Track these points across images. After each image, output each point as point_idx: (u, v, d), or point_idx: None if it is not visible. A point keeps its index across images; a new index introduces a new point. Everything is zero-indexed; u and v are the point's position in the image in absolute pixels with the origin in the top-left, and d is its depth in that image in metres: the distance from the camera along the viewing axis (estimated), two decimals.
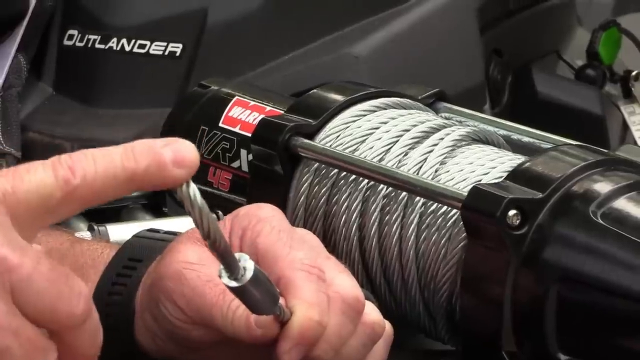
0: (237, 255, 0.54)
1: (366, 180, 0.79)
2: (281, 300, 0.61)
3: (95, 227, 0.86)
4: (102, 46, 1.23)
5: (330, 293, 0.64)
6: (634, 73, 1.43)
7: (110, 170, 0.44)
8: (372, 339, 0.67)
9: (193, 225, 0.53)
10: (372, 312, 0.66)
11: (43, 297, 0.44)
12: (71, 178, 0.43)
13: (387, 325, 0.67)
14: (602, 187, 0.70)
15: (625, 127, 1.45)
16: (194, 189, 0.46)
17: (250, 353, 0.69)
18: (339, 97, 0.86)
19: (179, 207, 0.62)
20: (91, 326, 0.46)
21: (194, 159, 0.44)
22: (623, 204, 0.69)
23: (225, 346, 0.69)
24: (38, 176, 0.42)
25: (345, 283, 0.65)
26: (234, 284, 0.53)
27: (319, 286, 0.65)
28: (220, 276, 0.53)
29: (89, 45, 1.26)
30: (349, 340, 0.66)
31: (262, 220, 0.64)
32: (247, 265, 0.54)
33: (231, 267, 0.54)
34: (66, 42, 1.25)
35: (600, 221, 0.67)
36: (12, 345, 0.43)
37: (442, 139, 0.80)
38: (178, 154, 0.43)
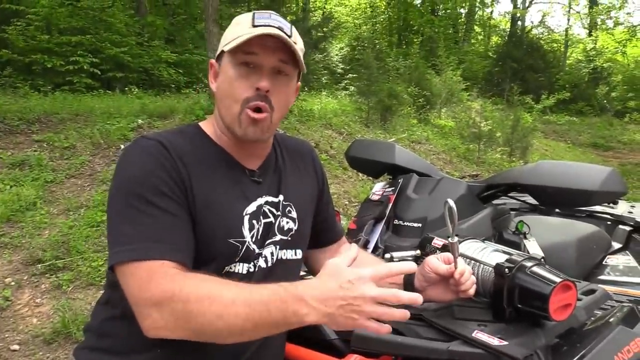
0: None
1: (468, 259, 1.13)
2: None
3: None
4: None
5: (466, 267, 1.06)
6: None
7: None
8: (470, 275, 1.06)
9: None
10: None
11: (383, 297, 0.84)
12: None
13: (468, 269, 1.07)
14: (530, 263, 1.03)
15: None
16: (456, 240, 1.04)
17: (443, 286, 1.09)
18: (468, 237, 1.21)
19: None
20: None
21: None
22: (536, 269, 1.02)
23: (436, 284, 1.10)
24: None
25: (467, 267, 1.07)
26: (451, 241, 1.03)
27: (465, 265, 1.06)
28: (449, 240, 1.03)
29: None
30: (470, 276, 1.06)
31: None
32: (456, 240, 1.03)
33: (453, 249, 1.03)
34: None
35: (528, 272, 1.01)
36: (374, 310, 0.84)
37: (487, 248, 1.15)
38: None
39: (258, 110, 1.05)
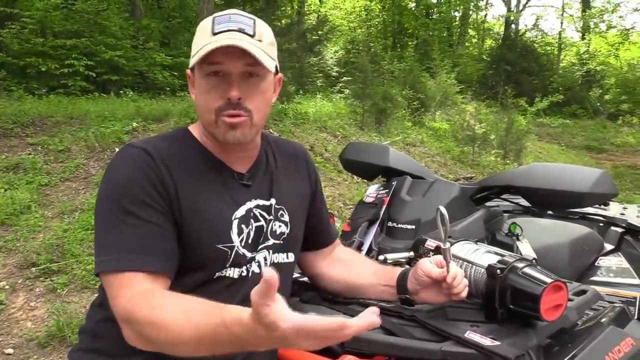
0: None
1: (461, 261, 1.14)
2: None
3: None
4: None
5: (458, 271, 1.06)
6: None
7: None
8: (462, 278, 1.07)
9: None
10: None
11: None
12: None
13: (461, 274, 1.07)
14: (522, 264, 1.04)
15: None
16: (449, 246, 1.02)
17: (436, 289, 1.09)
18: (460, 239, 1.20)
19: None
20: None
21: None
22: (528, 270, 1.02)
23: (429, 287, 1.10)
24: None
25: (459, 271, 1.07)
26: (443, 247, 1.03)
27: (458, 268, 1.07)
28: (442, 245, 1.03)
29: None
30: (462, 279, 1.06)
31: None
32: (448, 246, 1.03)
33: (445, 254, 1.03)
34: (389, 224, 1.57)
35: (520, 273, 1.02)
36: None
37: (479, 249, 1.15)
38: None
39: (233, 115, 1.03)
